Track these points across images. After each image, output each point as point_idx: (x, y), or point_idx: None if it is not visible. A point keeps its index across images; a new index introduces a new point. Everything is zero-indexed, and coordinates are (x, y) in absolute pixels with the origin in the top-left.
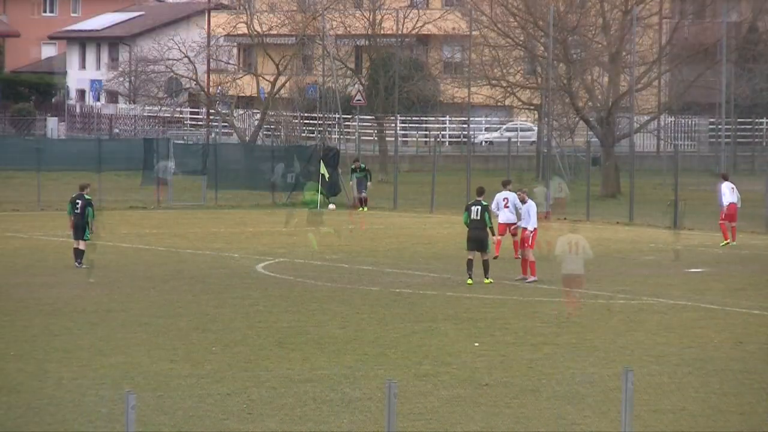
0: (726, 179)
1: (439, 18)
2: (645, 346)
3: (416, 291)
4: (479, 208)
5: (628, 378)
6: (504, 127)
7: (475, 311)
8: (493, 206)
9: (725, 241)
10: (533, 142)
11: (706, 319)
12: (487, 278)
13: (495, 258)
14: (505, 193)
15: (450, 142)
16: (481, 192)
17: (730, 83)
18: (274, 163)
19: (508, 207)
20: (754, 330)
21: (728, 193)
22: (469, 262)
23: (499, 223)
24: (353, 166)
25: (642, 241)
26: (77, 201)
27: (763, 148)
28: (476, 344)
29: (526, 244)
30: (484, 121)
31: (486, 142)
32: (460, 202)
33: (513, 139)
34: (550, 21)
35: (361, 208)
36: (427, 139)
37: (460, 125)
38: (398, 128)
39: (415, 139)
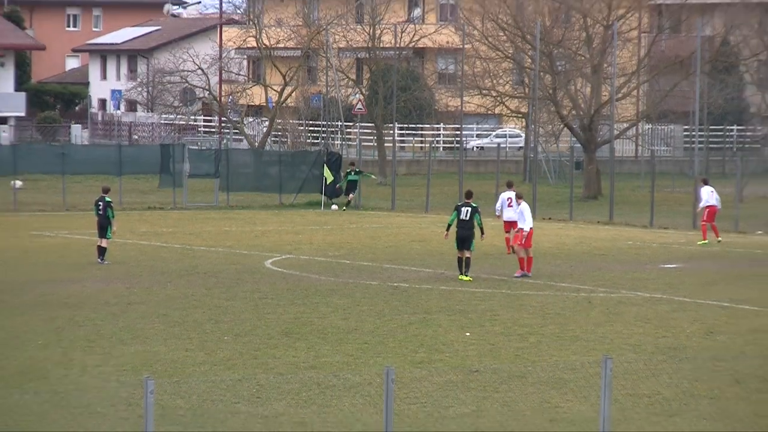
0: (706, 183)
1: (434, 32)
2: (623, 335)
3: (412, 285)
4: (469, 209)
5: (607, 365)
6: (494, 133)
7: (467, 304)
8: (498, 205)
9: (703, 240)
10: (521, 147)
11: (680, 311)
12: (467, 275)
13: (508, 254)
14: (509, 193)
15: (444, 148)
16: (469, 195)
17: (703, 93)
18: (281, 168)
19: (512, 206)
20: (724, 321)
21: (707, 196)
22: (460, 260)
23: (504, 221)
24: (348, 170)
25: (620, 239)
26: (99, 203)
27: (734, 154)
28: (467, 334)
29: (519, 242)
30: (475, 128)
31: (477, 147)
32: (453, 204)
33: (502, 145)
34: (537, 35)
35: (343, 208)
36: (423, 145)
37: (453, 132)
38: (396, 135)
39: (411, 144)
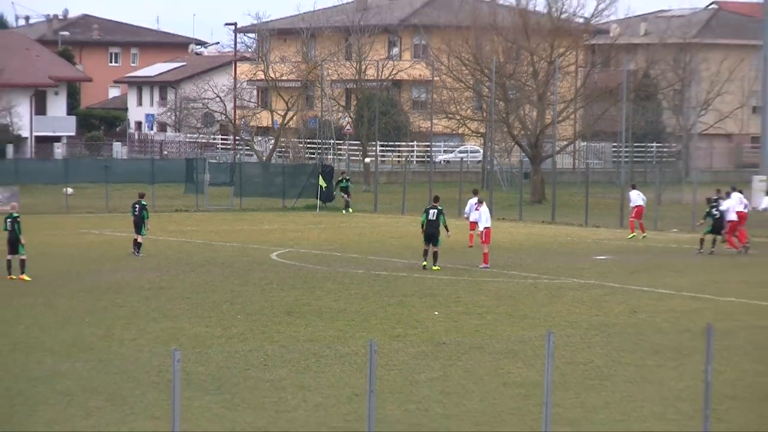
0: (634, 188)
1: (409, 67)
2: (563, 314)
3: (391, 273)
4: (435, 211)
5: (550, 338)
6: (458, 149)
7: (435, 288)
8: (466, 209)
9: (632, 234)
10: (480, 161)
11: (609, 294)
12: (436, 266)
13: (470, 247)
14: (475, 199)
15: (417, 161)
16: (437, 199)
17: (628, 116)
18: (284, 177)
19: (479, 210)
20: (645, 302)
21: (636, 198)
22: (425, 252)
23: (471, 222)
24: (340, 178)
25: (561, 235)
26: (136, 205)
27: (653, 166)
28: (436, 313)
29: (482, 239)
30: (442, 145)
31: (444, 161)
32: (424, 207)
33: (464, 159)
34: (493, 69)
35: (346, 210)
36: (400, 159)
37: (425, 148)
38: (378, 150)
39: (390, 158)
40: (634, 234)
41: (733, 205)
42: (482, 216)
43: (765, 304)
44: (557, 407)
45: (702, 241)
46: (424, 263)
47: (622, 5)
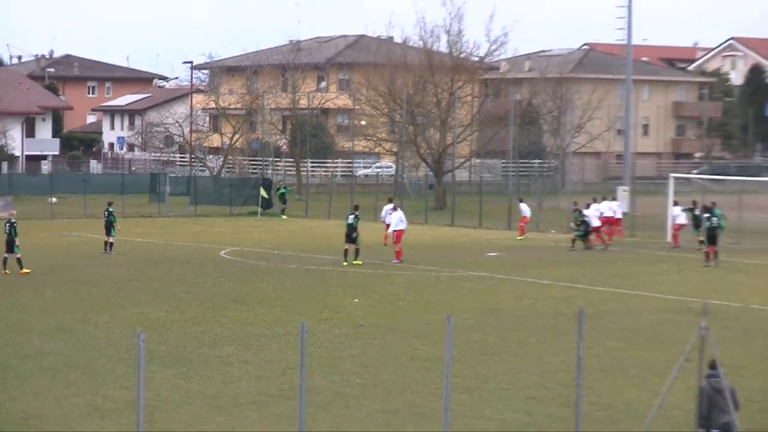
0: (522, 201)
1: (335, 98)
2: (461, 302)
3: (319, 268)
4: (354, 216)
5: (450, 321)
6: (374, 165)
7: (355, 280)
8: (383, 214)
9: (521, 237)
10: (392, 174)
11: (499, 285)
12: (357, 260)
13: (384, 245)
14: (390, 205)
15: (341, 175)
16: (356, 208)
17: (515, 138)
18: (231, 189)
19: (391, 214)
20: (529, 291)
21: (524, 210)
22: (345, 251)
23: (386, 224)
24: (278, 187)
25: (459, 236)
26: (105, 212)
27: (535, 179)
28: (356, 300)
29: (393, 240)
30: (362, 162)
31: (363, 175)
32: (345, 212)
33: (380, 173)
34: (404, 99)
35: (284, 215)
36: (327, 173)
37: (347, 164)
38: (309, 166)
39: (319, 173)
40: (522, 237)
41: (592, 213)
42: (394, 219)
43: (627, 292)
44: (455, 378)
45: (574, 240)
46: (345, 263)
47: (510, 46)
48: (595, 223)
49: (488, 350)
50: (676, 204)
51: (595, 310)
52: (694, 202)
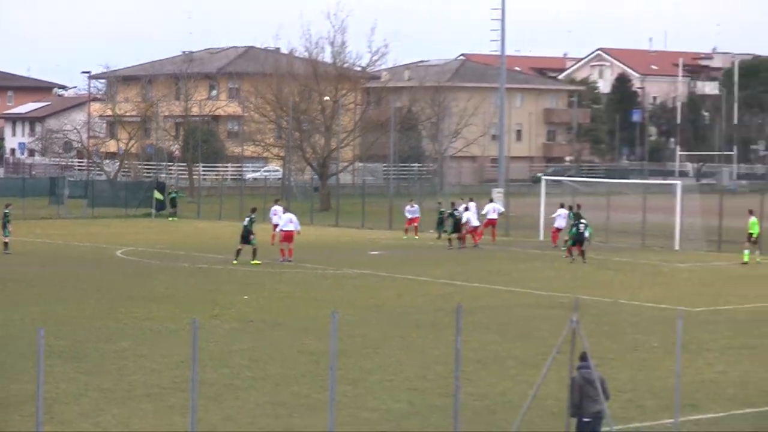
0: (411, 203)
1: (225, 105)
2: (345, 298)
3: (210, 266)
4: (250, 218)
5: (335, 317)
6: (263, 169)
7: (245, 278)
8: (271, 214)
9: (406, 236)
10: (280, 178)
11: (381, 281)
12: (255, 260)
13: (272, 245)
14: (280, 208)
15: (231, 179)
16: (253, 210)
17: (396, 143)
18: (127, 191)
19: (276, 215)
20: (409, 288)
21: (410, 211)
22: (238, 251)
23: (274, 224)
24: (169, 191)
25: (343, 236)
26: (3, 213)
27: (415, 182)
28: (245, 297)
29: (282, 240)
30: (251, 166)
31: (252, 178)
32: (235, 214)
33: (268, 177)
34: (290, 107)
35: (173, 218)
36: (218, 177)
37: (237, 168)
38: (201, 170)
39: (211, 176)
40: (406, 237)
41: (470, 215)
42: (283, 220)
43: (502, 288)
44: (340, 370)
45: (450, 240)
46: (235, 261)
47: (390, 57)
48: (474, 222)
49: (371, 344)
50: (562, 206)
51: (471, 305)
52: (578, 206)
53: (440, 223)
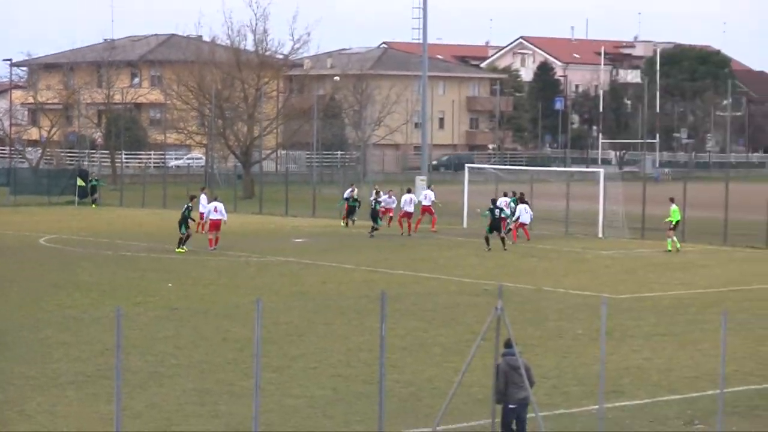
0: (352, 187)
1: (147, 93)
2: (269, 285)
3: (134, 254)
4: (187, 206)
5: (259, 304)
6: (186, 157)
7: (169, 265)
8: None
9: (343, 224)
10: (203, 165)
11: (305, 268)
12: (181, 248)
13: (197, 232)
14: (203, 195)
15: (154, 166)
16: (192, 198)
17: (319, 131)
18: (50, 179)
19: (203, 204)
20: (333, 275)
21: (348, 194)
22: (181, 238)
23: (201, 213)
24: (91, 179)
25: (267, 224)
26: None
27: (338, 169)
28: (170, 285)
29: (210, 229)
30: (174, 154)
31: (175, 166)
32: (158, 201)
33: (191, 164)
34: (213, 94)
35: (94, 205)
36: (140, 165)
37: (160, 156)
38: (123, 158)
39: (133, 164)
40: (344, 224)
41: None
42: (207, 209)
43: (426, 275)
44: (265, 358)
45: (373, 228)
46: (180, 249)
47: (313, 45)
48: (408, 209)
49: (296, 331)
50: (505, 195)
51: (396, 292)
52: (514, 193)
53: (351, 212)
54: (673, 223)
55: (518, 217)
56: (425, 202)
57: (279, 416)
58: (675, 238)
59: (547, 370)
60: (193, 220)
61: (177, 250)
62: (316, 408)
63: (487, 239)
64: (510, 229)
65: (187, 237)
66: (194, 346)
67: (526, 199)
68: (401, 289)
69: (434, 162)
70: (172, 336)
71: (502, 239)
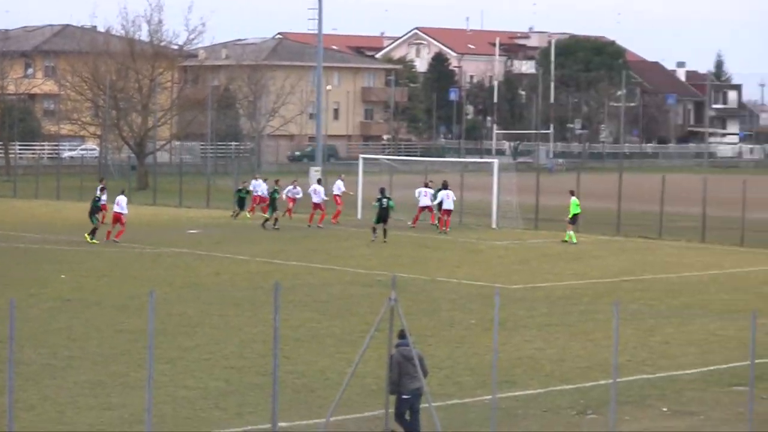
0: (260, 179)
1: (41, 83)
2: (163, 277)
3: (27, 245)
4: (97, 197)
5: (153, 295)
6: (79, 147)
7: (62, 256)
8: (98, 194)
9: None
10: (97, 156)
11: (199, 260)
12: (90, 237)
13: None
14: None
15: (48, 157)
16: (102, 190)
17: (213, 121)
18: None
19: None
20: (228, 266)
21: (261, 186)
22: (94, 230)
23: (103, 205)
24: None
25: (161, 215)
26: None
27: (233, 160)
28: (63, 276)
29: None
30: (68, 145)
31: (69, 157)
32: (52, 193)
33: (85, 155)
34: (107, 85)
35: None
36: (34, 155)
37: (54, 147)
38: (17, 149)
39: (28, 155)
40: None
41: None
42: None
43: (320, 266)
44: (158, 349)
45: (276, 219)
46: (93, 240)
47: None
48: (316, 199)
49: (189, 323)
50: (426, 185)
51: (290, 283)
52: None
53: (240, 202)
54: (570, 215)
55: (441, 202)
56: (335, 192)
57: (172, 408)
58: (572, 233)
59: (441, 360)
60: (100, 210)
61: (86, 237)
62: (209, 399)
63: (373, 229)
64: (440, 218)
65: (95, 228)
66: (88, 338)
67: (449, 186)
68: (295, 280)
69: (297, 153)
70: (65, 328)
71: (384, 231)
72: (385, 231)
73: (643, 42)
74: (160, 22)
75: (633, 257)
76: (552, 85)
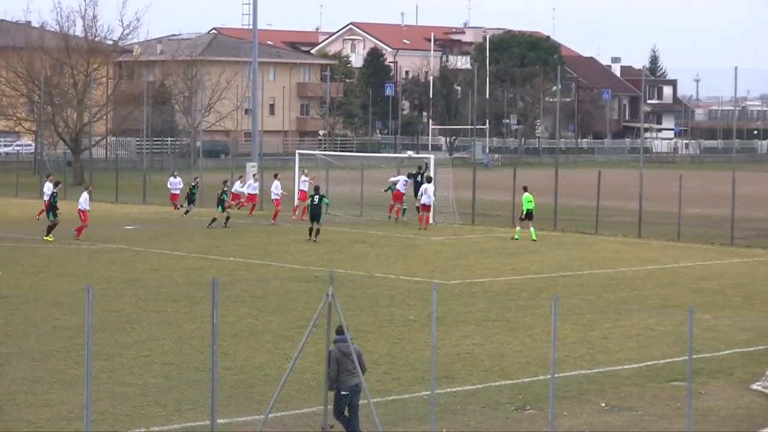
0: (229, 181)
1: None
2: (100, 273)
3: None
4: (53, 193)
5: (89, 291)
6: (15, 143)
7: (3, 253)
8: (45, 189)
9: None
10: (32, 152)
11: (135, 256)
12: (48, 237)
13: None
14: (48, 182)
15: None
16: (57, 184)
17: (148, 117)
18: None
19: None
20: (164, 262)
21: (239, 185)
22: (51, 226)
23: (45, 201)
24: None
25: (98, 211)
26: None
27: (168, 156)
28: None
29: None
30: (2, 141)
31: (4, 153)
32: (11, 191)
33: (20, 151)
34: (42, 81)
35: None
36: None
37: None
38: None
39: None
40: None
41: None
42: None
43: (257, 262)
44: (96, 345)
45: (227, 218)
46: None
47: (142, 30)
48: (249, 191)
49: (127, 319)
50: (407, 176)
51: (227, 279)
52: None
53: (191, 198)
54: (524, 212)
55: (421, 196)
56: (274, 196)
57: (110, 404)
58: (519, 228)
59: (379, 356)
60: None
61: (45, 237)
62: (148, 396)
63: (310, 230)
64: (421, 215)
65: (54, 225)
66: (24, 335)
67: (430, 179)
68: (232, 276)
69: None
70: (1, 324)
71: (317, 230)
72: (318, 230)
73: (578, 37)
74: (94, 17)
75: (570, 252)
76: (487, 80)
